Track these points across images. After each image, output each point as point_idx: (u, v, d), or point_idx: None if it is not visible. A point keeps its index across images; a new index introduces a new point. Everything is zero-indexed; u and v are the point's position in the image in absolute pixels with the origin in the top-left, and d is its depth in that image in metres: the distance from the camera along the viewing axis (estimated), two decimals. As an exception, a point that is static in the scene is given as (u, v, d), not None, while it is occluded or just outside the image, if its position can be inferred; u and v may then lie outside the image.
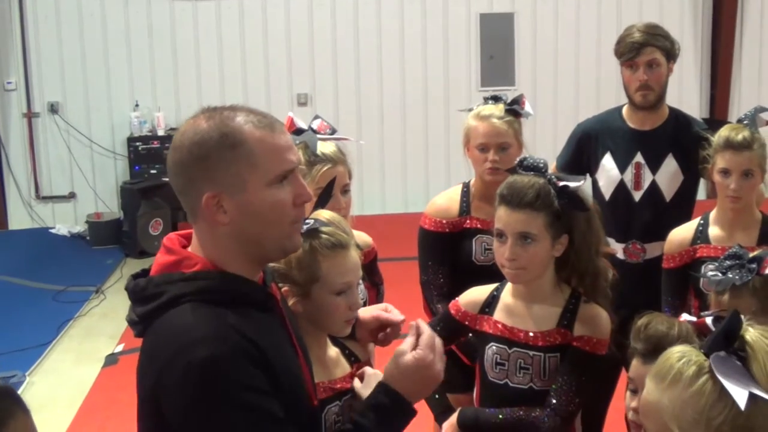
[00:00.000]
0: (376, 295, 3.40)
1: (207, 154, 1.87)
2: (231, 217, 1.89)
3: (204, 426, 1.78)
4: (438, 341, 2.12)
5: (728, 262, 2.77)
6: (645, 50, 3.90)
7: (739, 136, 3.35)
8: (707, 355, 1.67)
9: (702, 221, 3.51)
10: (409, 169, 10.23)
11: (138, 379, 1.95)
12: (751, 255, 2.77)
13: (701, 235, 3.47)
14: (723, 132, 3.40)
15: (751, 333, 1.68)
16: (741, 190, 3.35)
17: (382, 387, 2.03)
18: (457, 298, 3.00)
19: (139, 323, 1.93)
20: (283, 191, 1.90)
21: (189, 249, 1.96)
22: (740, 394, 1.60)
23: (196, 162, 1.88)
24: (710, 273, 2.78)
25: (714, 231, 3.46)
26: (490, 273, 2.87)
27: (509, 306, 2.85)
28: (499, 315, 2.86)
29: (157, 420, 1.86)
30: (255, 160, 1.87)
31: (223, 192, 1.87)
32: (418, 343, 2.08)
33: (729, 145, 3.36)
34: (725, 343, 1.66)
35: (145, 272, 1.98)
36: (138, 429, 1.99)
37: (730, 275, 2.72)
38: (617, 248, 4.04)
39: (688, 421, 1.65)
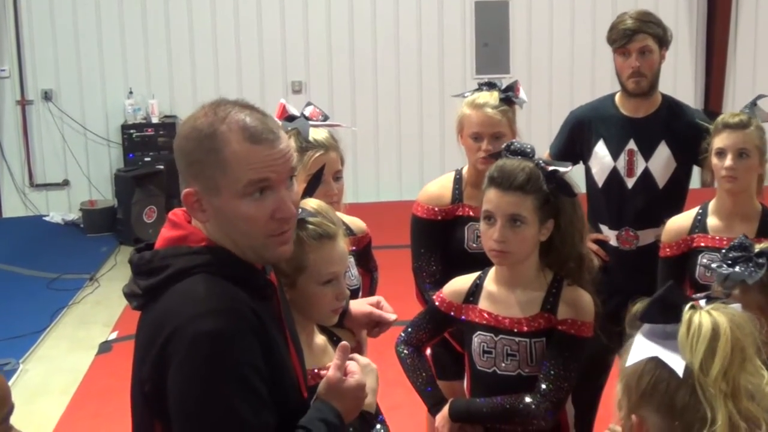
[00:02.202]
0: (370, 281, 3.40)
1: (191, 151, 1.88)
2: (209, 216, 1.90)
3: (204, 395, 1.79)
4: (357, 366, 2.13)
5: (734, 254, 2.72)
6: (637, 37, 3.89)
7: (736, 118, 3.36)
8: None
9: (701, 210, 3.50)
10: (403, 157, 10.23)
11: (137, 352, 1.94)
12: (757, 248, 2.70)
13: (699, 224, 3.46)
14: (721, 116, 3.42)
15: (712, 318, 1.70)
16: (737, 170, 3.33)
17: (328, 406, 2.01)
18: (441, 290, 3.01)
19: (142, 296, 1.92)
20: (255, 205, 1.87)
21: (193, 224, 1.96)
22: (642, 352, 1.71)
23: (182, 156, 1.90)
24: (715, 264, 2.75)
25: (713, 221, 3.44)
26: (483, 260, 2.87)
27: (493, 293, 2.86)
28: (483, 303, 2.86)
29: (156, 399, 1.85)
30: (226, 168, 1.85)
31: (201, 191, 1.88)
32: (350, 368, 2.07)
33: (725, 125, 3.37)
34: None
35: (149, 246, 1.98)
36: (132, 414, 1.99)
37: (738, 270, 2.67)
38: (610, 235, 4.05)
39: (626, 383, 1.74)
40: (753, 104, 3.47)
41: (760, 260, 2.65)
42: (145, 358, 1.89)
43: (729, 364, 1.67)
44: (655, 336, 1.74)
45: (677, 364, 1.68)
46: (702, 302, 2.03)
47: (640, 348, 1.74)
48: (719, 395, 1.66)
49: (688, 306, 1.72)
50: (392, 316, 2.69)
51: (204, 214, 1.89)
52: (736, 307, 1.80)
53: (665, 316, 1.74)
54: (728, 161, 3.33)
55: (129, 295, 1.96)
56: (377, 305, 2.71)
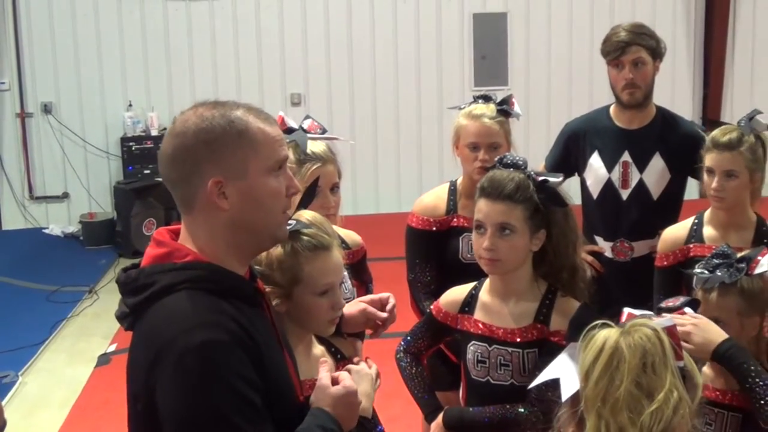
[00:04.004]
0: (365, 293, 3.41)
1: (214, 139, 1.92)
2: (231, 204, 1.93)
3: (195, 409, 1.80)
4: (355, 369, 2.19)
5: (716, 261, 2.79)
6: (630, 49, 3.92)
7: (726, 137, 3.34)
8: None
9: (696, 220, 3.50)
10: (402, 169, 10.24)
11: (129, 370, 1.96)
12: (739, 255, 2.79)
13: (695, 234, 3.46)
14: (714, 132, 3.40)
15: (607, 333, 1.84)
16: (723, 191, 3.34)
17: (324, 412, 2.03)
18: (438, 300, 3.03)
19: (130, 315, 1.94)
20: (278, 180, 1.96)
21: (179, 242, 1.98)
22: (550, 372, 1.95)
23: (203, 146, 1.92)
24: (697, 270, 2.80)
25: (708, 231, 3.45)
26: (477, 271, 2.89)
27: (487, 304, 2.88)
28: (478, 314, 2.88)
29: (149, 416, 1.86)
30: (257, 147, 1.93)
31: (226, 177, 1.91)
32: (340, 377, 2.11)
33: (715, 144, 3.36)
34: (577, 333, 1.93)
35: (135, 266, 2.00)
36: (129, 429, 2.00)
37: (719, 273, 2.74)
38: (605, 247, 4.07)
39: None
40: (749, 119, 3.42)
41: (740, 265, 2.73)
42: (136, 376, 1.91)
43: (608, 382, 1.79)
44: (572, 354, 1.90)
45: (570, 386, 1.85)
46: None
47: (553, 367, 1.91)
48: (593, 409, 1.79)
49: (597, 324, 1.86)
50: (383, 314, 2.70)
51: (226, 202, 1.92)
52: (661, 322, 1.90)
53: (579, 334, 1.89)
54: (715, 182, 3.34)
55: (120, 317, 1.98)
56: (370, 303, 2.72)
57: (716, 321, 2.68)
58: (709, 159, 3.38)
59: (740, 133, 3.36)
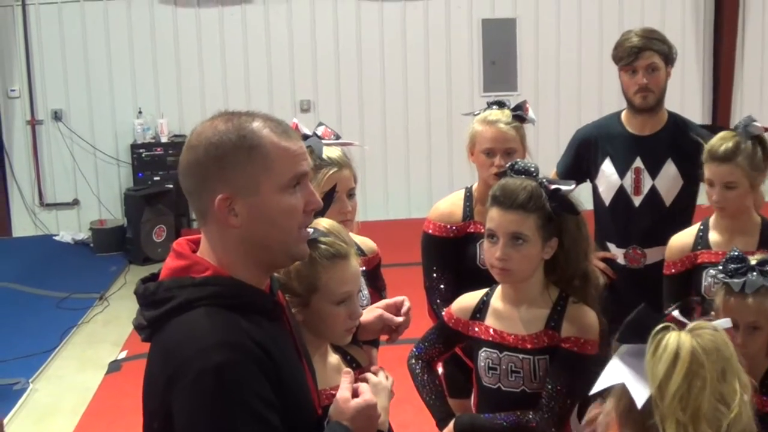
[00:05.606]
0: (378, 300, 3.40)
1: (224, 154, 1.88)
2: (242, 221, 1.89)
3: (212, 430, 1.78)
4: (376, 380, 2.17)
5: (733, 266, 2.77)
6: (644, 54, 3.91)
7: (722, 148, 3.31)
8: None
9: (702, 227, 3.50)
10: (412, 175, 10.24)
11: (145, 387, 1.94)
12: (754, 260, 2.79)
13: (702, 240, 3.45)
14: (712, 141, 3.37)
15: (677, 337, 1.76)
16: (724, 201, 3.33)
17: (342, 427, 2.01)
18: (449, 306, 3.03)
19: (147, 327, 1.92)
20: (294, 197, 1.91)
21: (198, 254, 1.96)
22: (611, 377, 1.82)
23: (212, 162, 1.89)
24: (720, 276, 2.80)
25: (714, 236, 3.44)
26: (494, 277, 2.88)
27: (499, 310, 2.88)
28: (489, 320, 2.88)
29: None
30: (270, 163, 1.88)
31: (236, 194, 1.88)
32: (360, 389, 2.09)
33: (712, 156, 3.34)
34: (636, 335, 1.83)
35: (154, 276, 1.98)
36: None
37: (753, 277, 2.73)
38: (618, 254, 4.05)
39: (613, 401, 1.88)
40: (745, 124, 3.37)
41: (765, 268, 2.73)
42: (153, 393, 1.90)
43: (687, 389, 1.71)
44: (630, 357, 1.78)
45: (640, 392, 1.73)
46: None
47: (611, 372, 1.79)
48: (672, 419, 1.70)
49: (659, 327, 1.76)
50: (399, 319, 2.70)
51: (236, 219, 1.89)
52: (722, 323, 1.83)
53: (638, 337, 1.78)
54: (715, 195, 3.34)
55: (137, 327, 1.97)
56: (385, 308, 2.71)
57: (754, 326, 2.69)
58: (708, 170, 3.36)
59: (737, 142, 3.31)
